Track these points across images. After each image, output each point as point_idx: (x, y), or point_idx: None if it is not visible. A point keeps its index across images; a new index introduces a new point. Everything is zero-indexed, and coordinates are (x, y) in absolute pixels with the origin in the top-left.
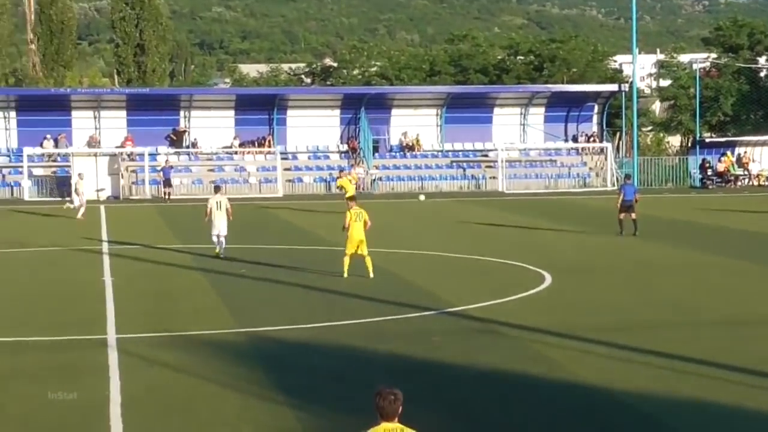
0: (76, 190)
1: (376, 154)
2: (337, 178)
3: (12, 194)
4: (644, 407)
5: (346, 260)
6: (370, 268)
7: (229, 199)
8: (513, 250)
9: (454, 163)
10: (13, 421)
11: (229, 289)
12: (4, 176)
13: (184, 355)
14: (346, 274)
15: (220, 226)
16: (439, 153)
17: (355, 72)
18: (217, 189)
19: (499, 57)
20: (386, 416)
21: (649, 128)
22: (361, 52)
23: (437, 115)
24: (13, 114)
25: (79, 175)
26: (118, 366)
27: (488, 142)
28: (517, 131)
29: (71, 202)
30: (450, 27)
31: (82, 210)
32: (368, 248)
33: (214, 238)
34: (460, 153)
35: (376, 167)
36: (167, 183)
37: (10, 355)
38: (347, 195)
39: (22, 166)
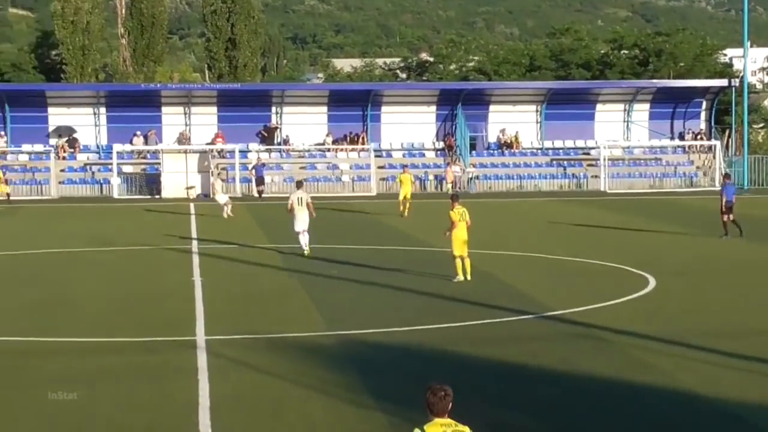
0: (215, 188)
1: (473, 152)
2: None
3: (101, 192)
4: (753, 418)
5: (458, 262)
6: (469, 271)
7: (320, 199)
8: (615, 252)
9: (554, 162)
10: (101, 423)
11: (321, 290)
12: (93, 173)
13: (273, 358)
14: (461, 277)
15: (302, 222)
16: (539, 151)
17: (452, 67)
18: (299, 185)
19: (603, 51)
20: (437, 412)
21: (761, 125)
22: (458, 46)
23: (537, 111)
24: (103, 110)
25: (218, 173)
26: (207, 368)
27: (590, 140)
28: (620, 128)
29: (227, 210)
30: (551, 20)
31: (228, 208)
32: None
33: (300, 237)
34: (561, 151)
35: (473, 165)
36: (260, 181)
37: (98, 355)
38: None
39: (111, 164)
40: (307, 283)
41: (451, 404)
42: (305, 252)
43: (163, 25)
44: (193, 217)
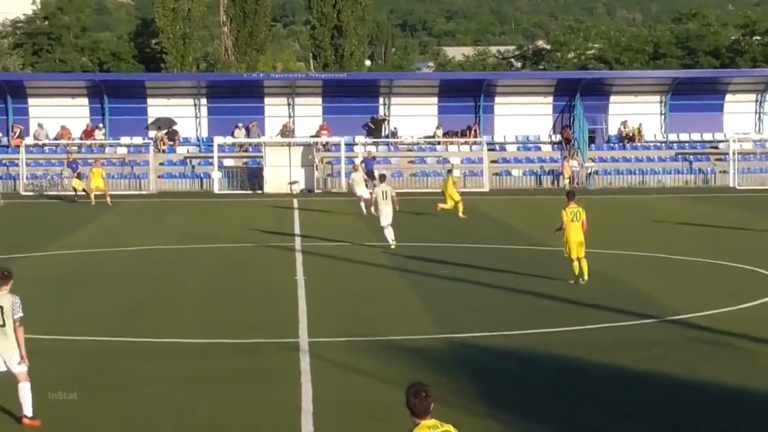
0: (354, 184)
1: (592, 146)
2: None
3: (201, 186)
4: None
5: (574, 265)
6: (586, 272)
7: (429, 194)
8: (745, 253)
9: (680, 156)
10: (201, 427)
11: (429, 291)
12: (193, 167)
13: (380, 361)
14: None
15: (387, 216)
16: (663, 144)
17: (570, 55)
18: (382, 178)
19: (733, 38)
20: (419, 414)
21: None
22: (576, 32)
23: (661, 102)
24: (204, 101)
25: (354, 167)
26: (310, 371)
27: (718, 133)
28: (751, 120)
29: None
30: (676, 4)
31: (364, 204)
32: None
33: (386, 231)
34: (687, 144)
35: (592, 159)
36: (369, 175)
37: (199, 357)
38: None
39: (212, 157)
40: (415, 282)
41: (432, 404)
42: (392, 246)
43: (266, 12)
44: (296, 213)
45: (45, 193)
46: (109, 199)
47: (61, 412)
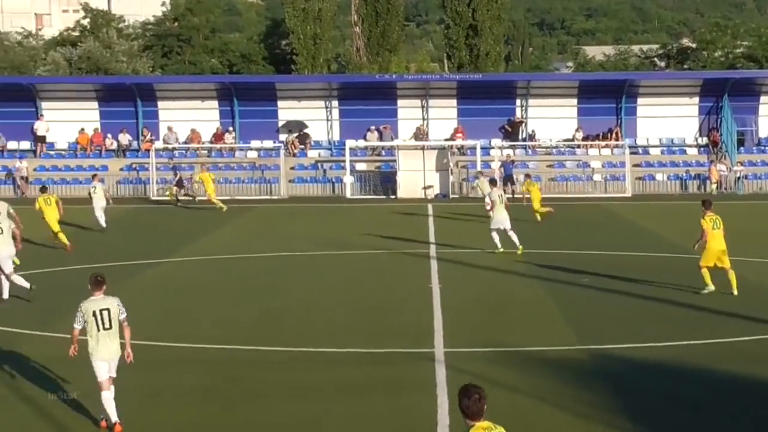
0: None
1: (741, 149)
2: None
3: (333, 191)
4: None
5: (705, 272)
6: (734, 284)
7: (569, 200)
8: None
9: None
10: None
11: (570, 300)
12: (325, 171)
13: (518, 373)
14: (711, 287)
15: (501, 220)
16: None
17: (717, 53)
18: (493, 183)
19: None
20: (473, 415)
21: None
22: (724, 30)
23: None
24: (335, 103)
25: (479, 173)
26: (447, 383)
27: None
28: None
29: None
30: None
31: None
32: (730, 257)
33: (494, 234)
34: None
35: (741, 164)
36: (509, 180)
37: (331, 367)
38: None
39: (344, 161)
40: (555, 291)
41: (486, 405)
42: (499, 249)
43: (399, 11)
44: (431, 219)
45: (188, 194)
46: (219, 203)
47: (195, 422)
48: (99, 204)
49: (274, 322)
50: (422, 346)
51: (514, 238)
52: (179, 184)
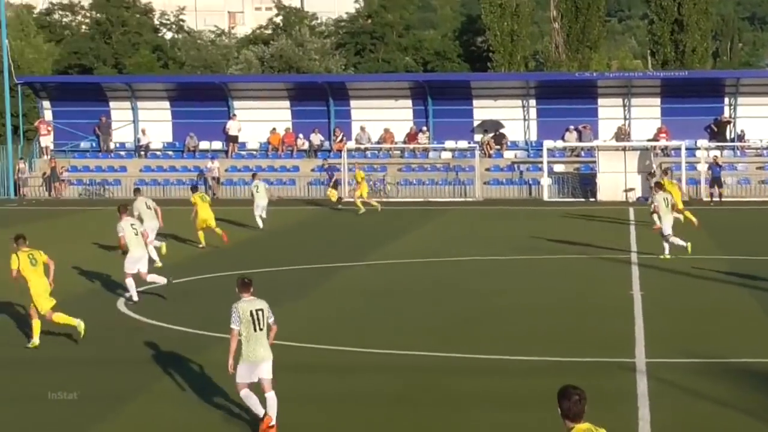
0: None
1: None
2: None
3: (530, 194)
4: None
5: None
6: None
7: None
8: None
9: None
10: None
11: None
12: (521, 173)
13: (725, 385)
14: None
15: (670, 225)
16: None
17: None
18: (659, 186)
19: None
20: (573, 417)
21: None
22: None
23: None
24: (532, 102)
25: (664, 171)
26: (648, 395)
27: None
28: None
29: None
30: None
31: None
32: None
33: (672, 240)
34: None
35: None
36: (716, 182)
37: (525, 376)
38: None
39: (541, 162)
40: (764, 301)
41: (586, 407)
42: (665, 256)
43: (600, 6)
44: (632, 224)
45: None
46: (361, 206)
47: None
48: (261, 203)
49: (466, 328)
50: (623, 355)
51: (678, 241)
52: (335, 185)
